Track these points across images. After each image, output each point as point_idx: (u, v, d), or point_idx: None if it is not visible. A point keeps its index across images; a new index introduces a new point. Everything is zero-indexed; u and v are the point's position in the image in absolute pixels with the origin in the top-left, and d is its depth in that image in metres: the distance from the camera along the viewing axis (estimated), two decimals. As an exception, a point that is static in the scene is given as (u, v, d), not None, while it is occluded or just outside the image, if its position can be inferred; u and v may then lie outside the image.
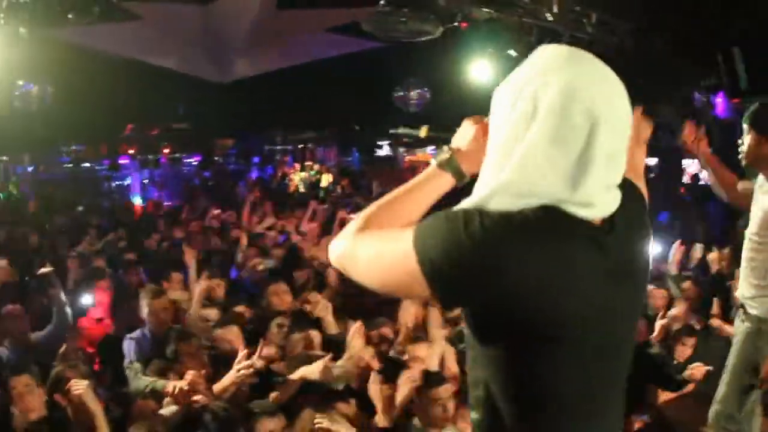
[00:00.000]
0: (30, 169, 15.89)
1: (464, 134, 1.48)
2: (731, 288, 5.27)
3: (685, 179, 11.16)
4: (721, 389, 3.48)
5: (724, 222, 8.07)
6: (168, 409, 3.56)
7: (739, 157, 3.38)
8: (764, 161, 3.30)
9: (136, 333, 4.59)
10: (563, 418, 1.29)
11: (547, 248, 1.18)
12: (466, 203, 1.28)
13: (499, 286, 1.18)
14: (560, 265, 1.19)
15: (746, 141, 3.31)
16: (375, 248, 1.33)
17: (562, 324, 1.21)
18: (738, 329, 3.47)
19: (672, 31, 6.52)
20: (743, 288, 3.41)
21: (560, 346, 1.24)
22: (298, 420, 3.39)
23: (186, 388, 3.46)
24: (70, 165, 17.05)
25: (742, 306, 3.43)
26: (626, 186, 1.36)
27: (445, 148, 1.47)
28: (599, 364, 1.29)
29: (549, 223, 1.20)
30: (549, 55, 1.28)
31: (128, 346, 4.45)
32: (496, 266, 1.17)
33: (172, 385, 3.79)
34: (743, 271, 3.41)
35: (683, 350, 4.92)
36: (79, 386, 3.26)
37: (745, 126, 3.33)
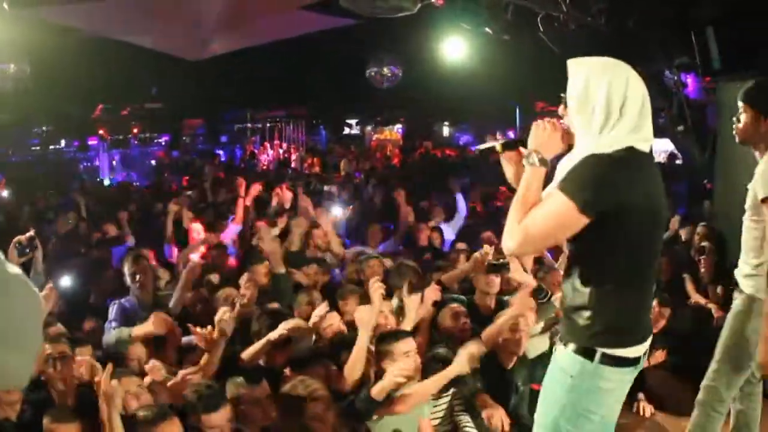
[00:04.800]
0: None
1: (537, 135, 2.34)
2: (700, 263, 5.45)
3: (662, 158, 11.34)
4: (713, 366, 3.54)
5: (690, 201, 8.27)
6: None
7: (734, 133, 3.40)
8: (759, 139, 3.31)
9: (124, 298, 4.66)
10: (634, 271, 2.27)
11: (626, 171, 2.21)
12: (587, 156, 2.24)
13: (612, 192, 2.18)
14: (631, 178, 2.21)
15: (742, 119, 3.32)
16: (541, 221, 2.21)
17: (635, 209, 2.20)
18: (733, 306, 3.52)
19: (645, 10, 6.62)
20: (740, 267, 3.48)
21: (633, 223, 2.21)
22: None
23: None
24: (38, 148, 16.65)
25: (737, 284, 3.50)
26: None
27: (533, 152, 2.31)
28: (654, 235, 2.31)
29: (627, 157, 2.21)
30: (595, 62, 2.30)
31: (112, 309, 4.53)
32: (611, 181, 2.18)
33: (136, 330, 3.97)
34: (742, 250, 3.48)
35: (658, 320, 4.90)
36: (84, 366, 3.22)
37: (741, 104, 3.34)
